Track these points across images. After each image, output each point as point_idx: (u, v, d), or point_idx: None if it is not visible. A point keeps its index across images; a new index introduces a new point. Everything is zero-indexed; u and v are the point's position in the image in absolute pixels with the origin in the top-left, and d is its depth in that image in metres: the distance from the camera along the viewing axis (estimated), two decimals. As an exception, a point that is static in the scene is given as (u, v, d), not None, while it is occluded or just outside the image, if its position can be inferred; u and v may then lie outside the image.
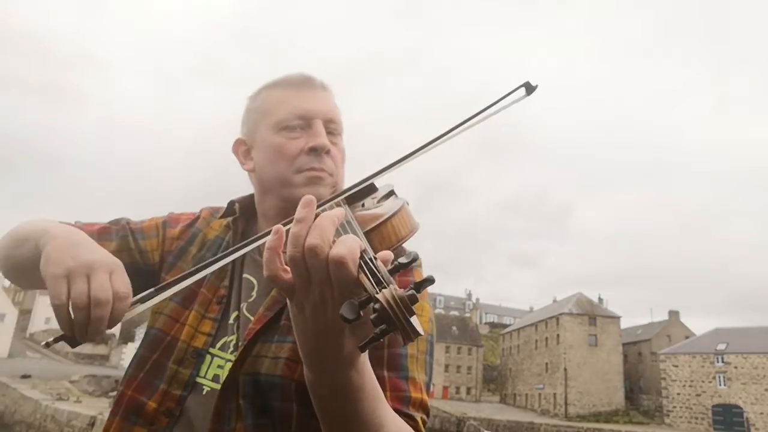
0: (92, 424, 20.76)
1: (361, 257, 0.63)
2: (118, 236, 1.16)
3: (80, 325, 0.75)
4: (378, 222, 0.79)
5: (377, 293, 0.58)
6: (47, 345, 0.76)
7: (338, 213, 0.68)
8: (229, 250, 0.87)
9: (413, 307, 0.57)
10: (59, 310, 0.75)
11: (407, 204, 0.87)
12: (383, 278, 0.60)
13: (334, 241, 0.64)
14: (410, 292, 0.57)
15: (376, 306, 0.57)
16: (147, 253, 1.16)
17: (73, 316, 0.75)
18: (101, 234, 1.15)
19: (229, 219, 1.19)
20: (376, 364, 0.83)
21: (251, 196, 1.20)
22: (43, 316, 77.37)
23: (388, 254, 0.67)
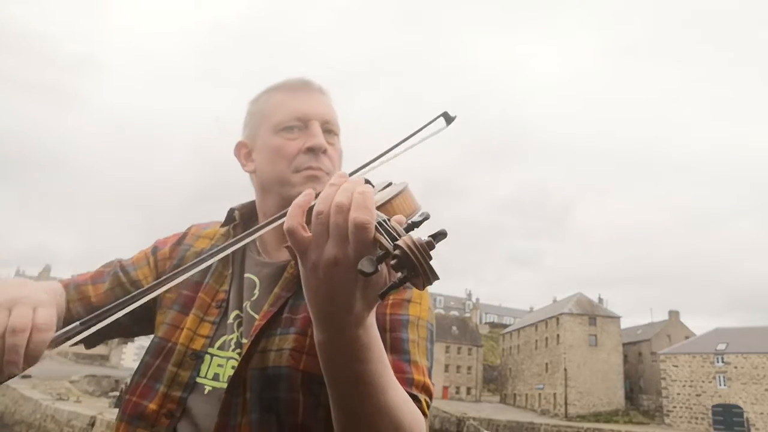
0: (92, 424, 20.75)
1: (376, 219, 0.65)
2: (110, 276, 1.21)
3: None
4: (383, 201, 0.81)
5: (396, 241, 0.61)
6: None
7: (362, 182, 0.71)
8: (226, 243, 0.90)
9: (431, 253, 0.60)
10: None
11: (409, 185, 0.89)
12: (399, 233, 0.63)
13: None
14: (428, 239, 0.61)
15: (396, 252, 0.60)
16: (140, 282, 1.19)
17: None
18: (95, 278, 1.21)
19: (229, 227, 1.21)
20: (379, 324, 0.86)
21: (251, 203, 1.24)
22: (43, 316, 77.15)
23: (400, 218, 0.70)
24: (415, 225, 0.65)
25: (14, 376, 0.75)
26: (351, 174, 0.97)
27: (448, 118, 1.03)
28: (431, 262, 0.60)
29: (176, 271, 0.88)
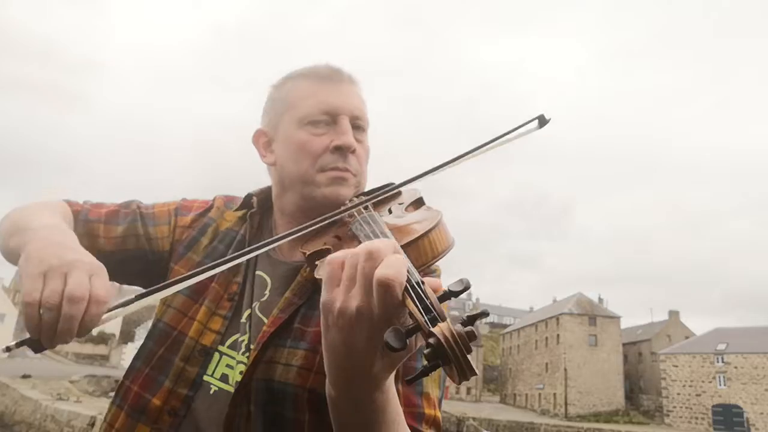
0: (92, 424, 20.73)
1: (410, 280, 0.58)
2: (126, 220, 1.13)
3: (48, 327, 0.70)
4: (415, 236, 0.75)
5: (431, 326, 0.54)
6: (8, 349, 0.71)
7: (397, 245, 0.65)
8: (245, 250, 0.85)
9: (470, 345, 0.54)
10: (29, 309, 0.70)
11: (443, 217, 0.83)
12: (434, 308, 0.56)
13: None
14: (469, 328, 0.53)
15: (432, 341, 0.53)
16: (157, 240, 1.14)
17: (43, 316, 0.70)
18: (109, 217, 1.13)
19: (245, 212, 1.16)
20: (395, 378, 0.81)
21: (268, 189, 1.17)
22: (43, 316, 77.14)
23: (436, 282, 0.62)
24: (453, 294, 0.58)
25: (66, 343, 0.72)
26: (426, 172, 0.94)
27: (543, 121, 0.97)
28: (469, 356, 0.53)
29: (176, 279, 0.81)
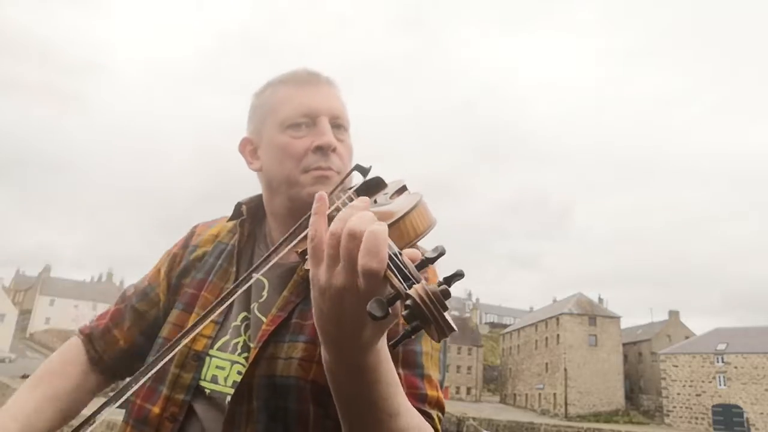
0: (92, 424, 20.73)
1: (389, 254, 0.61)
2: (128, 312, 1.20)
3: None
4: (396, 218, 0.77)
5: (407, 289, 0.57)
6: None
7: (376, 216, 0.67)
8: (255, 265, 0.87)
9: (446, 303, 0.56)
10: None
11: (423, 198, 0.85)
12: (412, 275, 0.59)
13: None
14: (443, 286, 0.56)
15: (408, 302, 0.55)
16: (160, 302, 1.17)
17: None
18: (114, 319, 1.21)
19: (235, 222, 1.18)
20: (392, 362, 0.82)
21: (258, 197, 1.18)
22: (43, 316, 77.37)
23: (414, 252, 0.65)
24: (429, 261, 0.61)
25: None
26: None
27: (363, 171, 0.99)
28: (446, 313, 0.55)
29: (210, 308, 0.87)
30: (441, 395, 0.94)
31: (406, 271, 0.59)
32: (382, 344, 0.71)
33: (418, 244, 0.83)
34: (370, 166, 0.99)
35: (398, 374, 0.85)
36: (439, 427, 0.92)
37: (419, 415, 0.84)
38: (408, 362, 0.93)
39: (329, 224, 0.66)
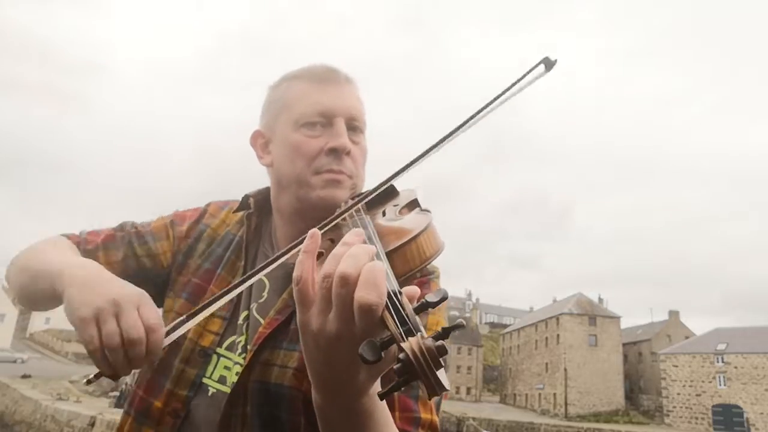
0: (92, 424, 20.73)
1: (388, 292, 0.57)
2: (124, 243, 1.13)
3: (120, 364, 0.74)
4: (403, 241, 0.74)
5: (403, 341, 0.52)
6: (89, 382, 0.78)
7: (373, 251, 0.63)
8: (260, 267, 0.84)
9: (441, 360, 0.51)
10: (94, 354, 0.73)
11: (432, 219, 0.81)
12: (409, 320, 0.55)
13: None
14: (440, 343, 0.52)
15: (401, 356, 0.51)
16: (159, 256, 1.13)
17: (109, 357, 0.73)
18: (106, 243, 1.12)
19: (243, 214, 1.16)
20: (385, 383, 0.80)
21: (267, 189, 1.15)
22: (43, 316, 77.21)
23: (414, 290, 0.61)
24: (429, 305, 0.56)
25: (140, 368, 0.77)
26: (420, 157, 0.90)
27: (549, 64, 0.95)
28: (439, 373, 0.51)
29: (213, 297, 0.82)
30: (435, 418, 0.91)
31: (404, 314, 0.55)
32: (376, 387, 0.67)
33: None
34: (556, 60, 0.95)
35: (392, 396, 0.80)
36: None
37: None
38: None
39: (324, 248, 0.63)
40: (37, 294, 0.97)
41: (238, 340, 1.01)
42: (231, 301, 1.02)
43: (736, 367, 49.21)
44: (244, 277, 0.84)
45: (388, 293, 0.57)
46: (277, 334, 0.96)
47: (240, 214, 1.17)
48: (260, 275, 0.84)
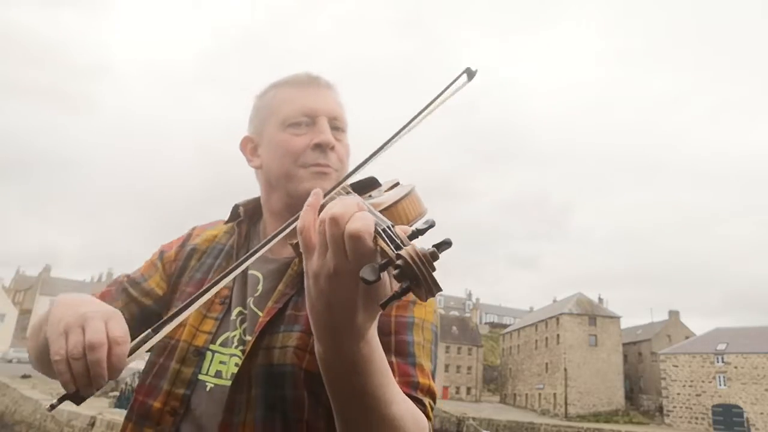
0: (92, 424, 20.74)
1: (379, 226, 0.64)
2: (120, 293, 1.19)
3: (80, 376, 0.74)
4: (387, 205, 0.80)
5: (398, 250, 0.59)
6: (52, 407, 0.77)
7: (359, 199, 0.70)
8: (242, 259, 0.87)
9: (435, 264, 0.58)
10: (59, 366, 0.74)
11: (415, 188, 0.88)
12: (402, 242, 0.61)
13: None
14: (432, 249, 0.59)
15: (399, 262, 0.57)
16: (154, 290, 1.18)
17: (73, 368, 0.74)
18: (104, 298, 1.18)
19: (232, 223, 1.22)
20: (384, 351, 0.86)
21: (255, 199, 1.23)
22: (43, 316, 77.15)
23: (404, 227, 0.68)
24: (420, 233, 0.63)
25: (101, 387, 0.76)
26: (368, 158, 0.98)
27: (470, 74, 1.02)
28: (435, 273, 0.58)
29: (187, 301, 0.85)
30: (432, 384, 0.97)
31: (397, 241, 0.61)
32: (374, 333, 0.73)
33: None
34: (477, 70, 1.02)
35: (391, 362, 0.90)
36: (430, 414, 0.94)
37: (411, 402, 0.86)
38: (400, 351, 0.96)
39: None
40: (38, 348, 0.97)
41: (233, 335, 1.05)
42: (223, 303, 1.09)
43: (736, 367, 49.24)
44: (231, 268, 0.87)
45: (380, 228, 0.63)
46: (275, 321, 1.01)
47: (230, 225, 1.23)
48: (246, 265, 0.87)
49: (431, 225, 0.64)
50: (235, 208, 1.22)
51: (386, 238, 0.62)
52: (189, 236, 1.27)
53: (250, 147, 1.20)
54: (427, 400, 0.94)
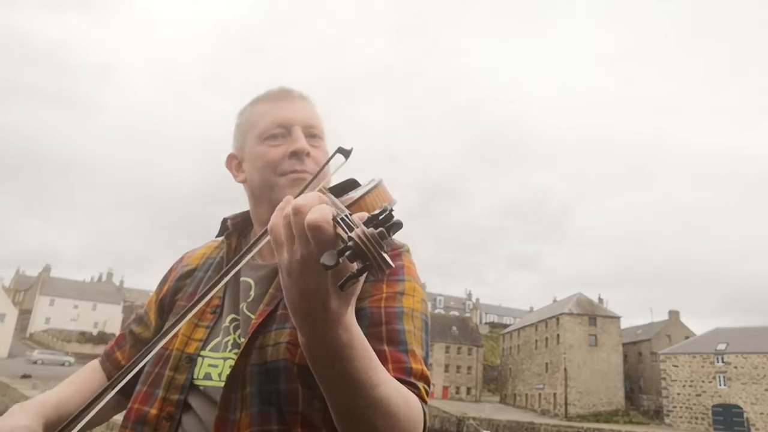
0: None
1: (337, 216, 0.68)
2: (128, 335, 1.31)
3: None
4: (355, 198, 0.84)
5: (349, 232, 0.63)
6: None
7: (323, 194, 0.76)
8: (225, 269, 0.92)
9: (384, 243, 0.61)
10: None
11: (383, 181, 0.92)
12: (355, 225, 0.65)
13: None
14: (380, 229, 0.62)
15: (350, 244, 0.61)
16: (152, 326, 1.27)
17: None
18: (119, 343, 1.32)
19: (220, 238, 1.27)
20: (376, 341, 0.92)
21: (244, 212, 1.28)
22: (43, 316, 77.36)
23: (362, 213, 0.71)
24: (375, 217, 0.65)
25: None
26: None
27: (345, 152, 1.05)
28: (384, 253, 0.61)
29: (187, 307, 0.91)
30: (426, 369, 1.01)
31: (353, 226, 0.65)
32: (351, 319, 0.77)
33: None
34: (352, 148, 1.04)
35: (383, 350, 0.96)
36: (425, 397, 0.97)
37: (401, 384, 0.89)
38: (392, 340, 1.00)
39: None
40: None
41: (226, 340, 1.09)
42: (214, 312, 1.14)
43: (736, 367, 49.23)
44: (218, 276, 0.92)
45: (339, 218, 0.67)
46: (267, 322, 1.05)
47: (219, 240, 1.28)
48: (225, 279, 0.92)
49: (385, 209, 0.65)
50: (224, 221, 1.27)
51: (343, 225, 0.65)
52: (180, 261, 1.34)
53: (234, 163, 1.25)
54: (421, 384, 0.97)
